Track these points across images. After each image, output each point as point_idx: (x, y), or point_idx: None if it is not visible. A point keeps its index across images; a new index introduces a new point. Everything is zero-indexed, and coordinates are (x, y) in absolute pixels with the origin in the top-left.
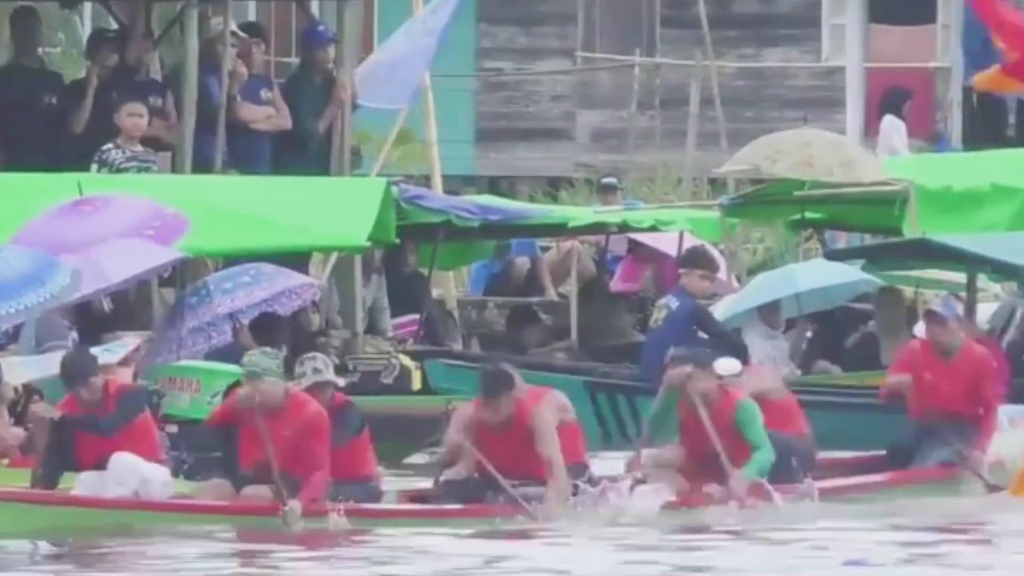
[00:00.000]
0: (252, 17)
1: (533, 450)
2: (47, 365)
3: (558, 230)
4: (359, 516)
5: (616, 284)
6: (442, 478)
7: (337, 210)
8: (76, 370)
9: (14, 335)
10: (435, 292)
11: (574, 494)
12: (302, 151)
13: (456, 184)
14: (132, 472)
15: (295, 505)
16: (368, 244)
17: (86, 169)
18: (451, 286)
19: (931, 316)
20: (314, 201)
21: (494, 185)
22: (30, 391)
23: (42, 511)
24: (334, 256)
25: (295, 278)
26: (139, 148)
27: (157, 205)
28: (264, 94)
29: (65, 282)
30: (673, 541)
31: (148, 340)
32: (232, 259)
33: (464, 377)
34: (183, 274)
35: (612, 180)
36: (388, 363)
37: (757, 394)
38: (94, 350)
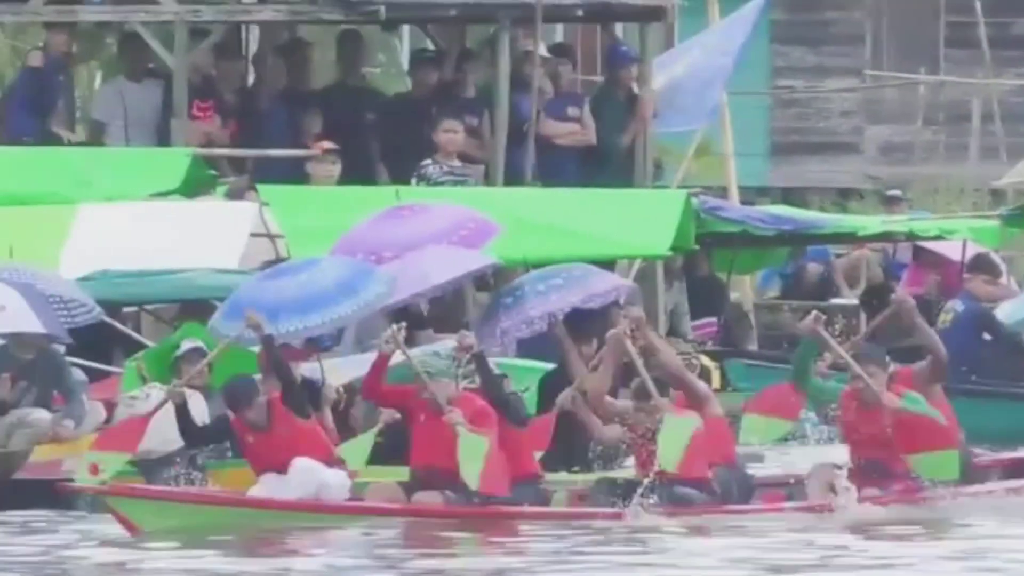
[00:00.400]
0: (560, 39)
1: None
2: (368, 364)
3: (848, 238)
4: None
5: (902, 289)
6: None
7: (640, 220)
8: (239, 394)
9: (338, 337)
10: (732, 296)
11: None
12: (606, 165)
13: (751, 195)
14: (312, 475)
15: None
16: (670, 253)
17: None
18: (748, 290)
19: None
20: (619, 212)
21: (787, 196)
22: (352, 391)
23: (221, 511)
24: (637, 263)
25: (605, 281)
26: (456, 163)
27: (469, 210)
28: (571, 111)
29: (380, 290)
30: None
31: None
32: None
33: (762, 376)
34: (495, 278)
35: (897, 192)
36: (689, 363)
37: None
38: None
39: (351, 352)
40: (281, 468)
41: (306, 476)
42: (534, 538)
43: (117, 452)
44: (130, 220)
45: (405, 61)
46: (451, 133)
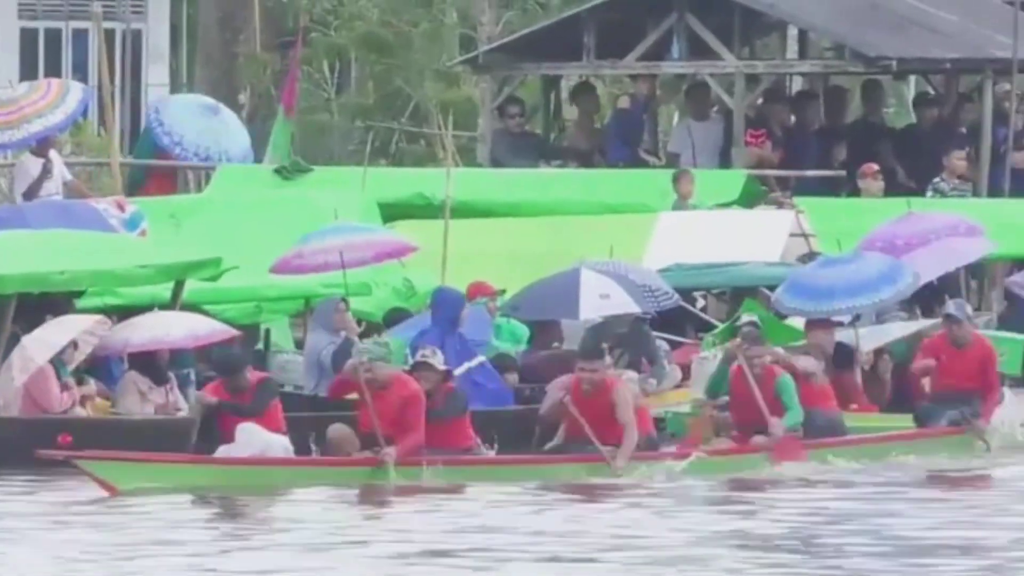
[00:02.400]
0: None
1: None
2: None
3: None
4: (455, 465)
5: None
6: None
7: None
8: (230, 364)
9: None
10: None
11: None
12: None
13: None
14: (256, 437)
15: (390, 451)
16: None
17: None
18: None
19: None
20: None
21: None
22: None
23: (178, 470)
24: None
25: None
26: (956, 181)
27: (959, 216)
28: None
29: (908, 280)
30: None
31: None
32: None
33: None
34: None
35: None
36: None
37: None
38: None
39: (872, 324)
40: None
41: (251, 437)
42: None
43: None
44: (699, 224)
45: (910, 102)
46: (960, 160)
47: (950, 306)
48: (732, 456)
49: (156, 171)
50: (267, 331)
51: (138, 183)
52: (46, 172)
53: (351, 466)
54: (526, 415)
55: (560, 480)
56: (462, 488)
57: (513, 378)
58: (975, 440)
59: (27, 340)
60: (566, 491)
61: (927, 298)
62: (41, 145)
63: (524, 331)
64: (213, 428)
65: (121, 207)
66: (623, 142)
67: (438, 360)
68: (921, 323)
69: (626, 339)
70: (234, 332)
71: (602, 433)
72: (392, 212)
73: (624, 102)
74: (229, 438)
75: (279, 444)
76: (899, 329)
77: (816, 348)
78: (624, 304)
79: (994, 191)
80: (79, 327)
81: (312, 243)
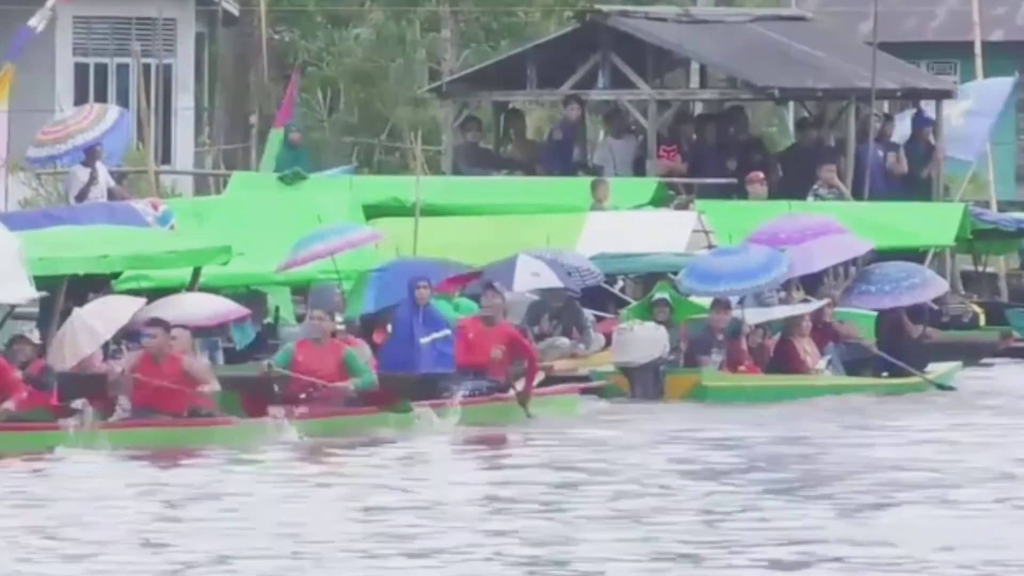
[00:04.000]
0: (886, 110)
1: None
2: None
3: None
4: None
5: None
6: None
7: (936, 222)
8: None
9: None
10: (989, 269)
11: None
12: (914, 187)
13: (1003, 207)
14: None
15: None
16: (954, 243)
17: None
18: (1001, 264)
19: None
20: (922, 217)
21: None
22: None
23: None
24: (932, 251)
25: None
26: (830, 188)
27: (831, 218)
28: (890, 155)
29: (783, 270)
30: None
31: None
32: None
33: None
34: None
35: None
36: (965, 308)
37: None
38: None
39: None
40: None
41: None
42: None
43: None
44: (620, 222)
45: (791, 124)
46: (829, 172)
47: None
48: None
49: None
50: (276, 307)
51: None
52: (93, 179)
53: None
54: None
55: None
56: None
57: None
58: None
59: (79, 324)
60: None
61: (811, 284)
62: (88, 157)
63: (475, 306)
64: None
65: (155, 207)
66: (559, 157)
67: None
68: (797, 307)
69: (561, 312)
70: (247, 311)
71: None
72: (372, 212)
73: (558, 135)
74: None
75: None
76: (779, 311)
77: (715, 324)
78: (551, 280)
79: (858, 196)
80: (122, 318)
81: (301, 252)
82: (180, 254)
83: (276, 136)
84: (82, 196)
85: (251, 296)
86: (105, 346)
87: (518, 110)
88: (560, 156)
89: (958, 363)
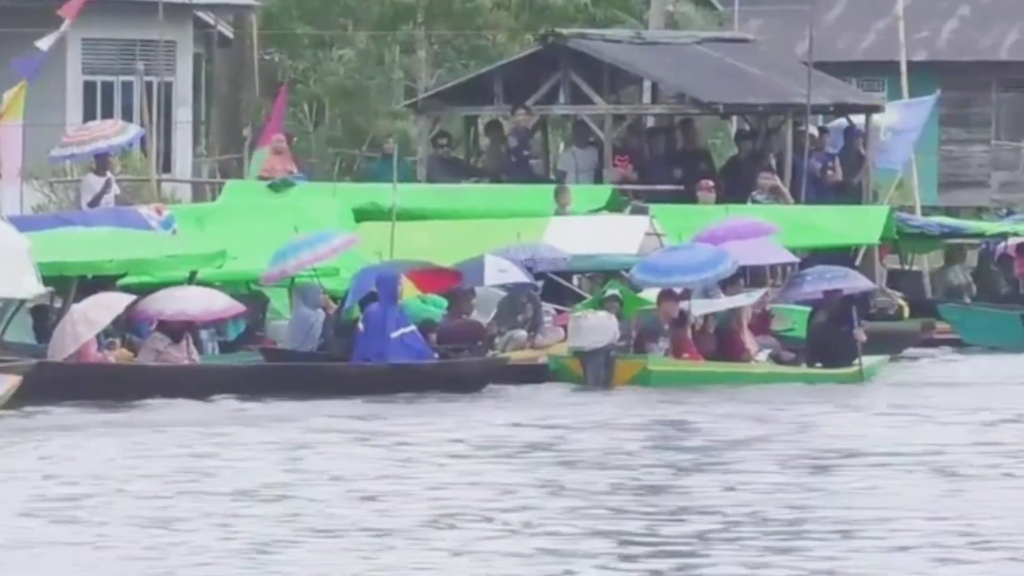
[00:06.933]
0: (821, 123)
1: None
2: (713, 304)
3: (978, 236)
4: None
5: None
6: None
7: (864, 223)
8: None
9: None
10: (914, 268)
11: None
12: (846, 193)
13: (927, 211)
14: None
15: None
16: (879, 241)
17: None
18: (924, 263)
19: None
20: (852, 219)
21: (948, 212)
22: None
23: None
24: (863, 249)
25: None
26: (767, 195)
27: (762, 221)
28: (828, 163)
29: (728, 265)
30: None
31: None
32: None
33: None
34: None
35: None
36: (893, 302)
37: None
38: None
39: (700, 297)
40: None
41: None
42: None
43: None
44: (578, 225)
45: (732, 135)
46: (766, 180)
47: None
48: None
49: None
50: (267, 301)
51: None
52: (107, 187)
53: None
54: (442, 368)
55: None
56: None
57: (432, 338)
58: None
59: (77, 315)
60: None
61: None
62: (100, 165)
63: (443, 303)
64: None
65: (159, 212)
66: (516, 161)
67: None
68: (739, 299)
69: (525, 306)
70: (243, 307)
71: None
72: (354, 216)
73: (512, 141)
74: None
75: None
76: (723, 303)
77: (664, 314)
78: (516, 275)
79: (795, 201)
80: (116, 309)
81: (290, 261)
82: (178, 258)
83: (260, 155)
84: (95, 203)
85: (252, 296)
86: (98, 338)
87: (497, 121)
88: (517, 160)
89: (885, 356)
